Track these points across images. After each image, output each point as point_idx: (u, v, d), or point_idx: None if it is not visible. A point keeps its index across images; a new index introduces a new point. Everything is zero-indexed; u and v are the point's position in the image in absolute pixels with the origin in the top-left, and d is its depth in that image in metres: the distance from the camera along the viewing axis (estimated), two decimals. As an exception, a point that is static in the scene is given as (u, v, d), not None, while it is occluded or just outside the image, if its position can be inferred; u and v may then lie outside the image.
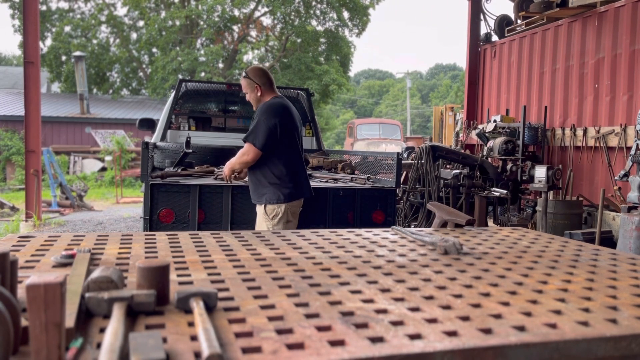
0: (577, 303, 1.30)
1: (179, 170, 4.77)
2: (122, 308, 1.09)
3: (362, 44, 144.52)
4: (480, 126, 8.94)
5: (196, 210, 4.21)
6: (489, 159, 7.52)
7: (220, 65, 25.63)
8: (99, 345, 0.96)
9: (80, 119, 21.38)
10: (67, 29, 25.15)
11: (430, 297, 1.32)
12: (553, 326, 1.12)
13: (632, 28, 6.53)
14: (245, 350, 0.95)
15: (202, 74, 24.69)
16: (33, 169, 9.34)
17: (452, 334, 1.06)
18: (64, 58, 25.15)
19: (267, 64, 24.17)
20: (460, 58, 76.61)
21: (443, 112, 14.49)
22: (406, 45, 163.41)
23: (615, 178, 6.00)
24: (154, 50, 25.89)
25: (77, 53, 22.74)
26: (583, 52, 7.32)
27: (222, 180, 3.93)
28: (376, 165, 5.28)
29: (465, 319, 1.15)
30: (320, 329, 1.07)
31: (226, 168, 3.76)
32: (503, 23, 9.38)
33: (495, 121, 8.05)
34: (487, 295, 1.36)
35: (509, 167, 7.01)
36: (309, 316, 1.15)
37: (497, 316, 1.18)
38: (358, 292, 1.36)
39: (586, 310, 1.24)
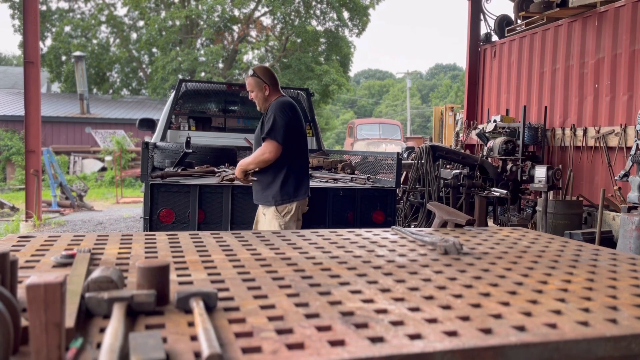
0: (577, 303, 1.30)
1: (179, 170, 4.78)
2: (122, 308, 1.09)
3: (362, 44, 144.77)
4: (480, 126, 8.93)
5: (196, 210, 4.21)
6: (489, 159, 7.52)
7: (220, 65, 25.64)
8: (99, 345, 0.96)
9: (80, 119, 21.38)
10: (67, 29, 25.15)
11: (430, 297, 1.32)
12: (553, 326, 1.12)
13: (632, 28, 6.53)
14: (245, 350, 0.95)
15: (202, 74, 24.68)
16: (33, 169, 9.34)
17: (452, 334, 1.05)
18: (64, 58, 25.15)
19: (267, 64, 24.15)
20: (460, 58, 76.72)
21: (443, 112, 14.48)
22: (406, 45, 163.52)
23: (615, 178, 6.00)
24: (154, 50, 25.89)
25: (77, 53, 22.75)
26: (583, 52, 7.32)
27: (232, 182, 3.89)
28: (376, 165, 5.28)
29: (465, 319, 1.15)
30: (320, 329, 1.07)
31: (238, 169, 3.64)
32: (503, 23, 9.37)
33: (495, 121, 8.04)
34: (487, 295, 1.35)
35: (509, 167, 7.01)
36: (309, 316, 1.15)
37: (497, 316, 1.18)
38: (358, 292, 1.36)
39: (586, 310, 1.24)
